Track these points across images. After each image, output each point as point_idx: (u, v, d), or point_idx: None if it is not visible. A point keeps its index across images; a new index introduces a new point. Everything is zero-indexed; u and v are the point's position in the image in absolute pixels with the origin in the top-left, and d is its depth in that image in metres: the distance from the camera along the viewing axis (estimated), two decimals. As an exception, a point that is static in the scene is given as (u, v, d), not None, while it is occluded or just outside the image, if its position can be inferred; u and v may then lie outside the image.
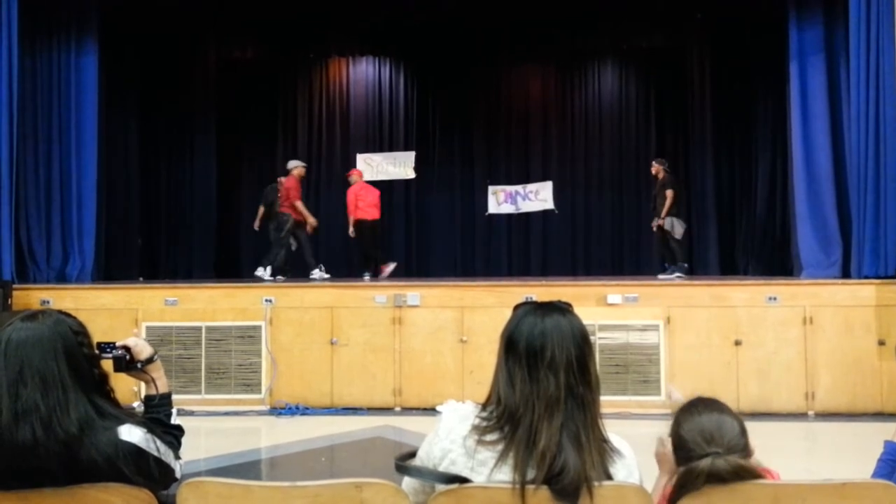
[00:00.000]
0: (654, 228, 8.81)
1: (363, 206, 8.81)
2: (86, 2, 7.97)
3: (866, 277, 6.34)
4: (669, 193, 8.54)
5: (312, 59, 11.26)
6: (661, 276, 8.27)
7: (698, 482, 1.56)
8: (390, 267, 8.90)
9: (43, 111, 7.70)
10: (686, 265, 8.68)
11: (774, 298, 6.19)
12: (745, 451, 1.65)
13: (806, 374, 6.07)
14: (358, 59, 11.38)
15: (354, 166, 9.91)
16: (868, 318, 6.08)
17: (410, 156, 9.68)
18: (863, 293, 6.16)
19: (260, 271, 8.35)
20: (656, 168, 8.84)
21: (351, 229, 8.90)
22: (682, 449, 1.68)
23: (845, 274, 6.76)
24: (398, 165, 9.71)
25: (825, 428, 5.82)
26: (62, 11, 7.82)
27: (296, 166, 8.82)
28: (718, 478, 1.56)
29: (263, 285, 7.23)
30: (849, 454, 4.96)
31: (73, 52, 7.89)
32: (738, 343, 6.11)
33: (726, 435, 1.64)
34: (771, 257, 8.99)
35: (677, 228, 8.56)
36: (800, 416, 6.02)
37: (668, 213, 8.52)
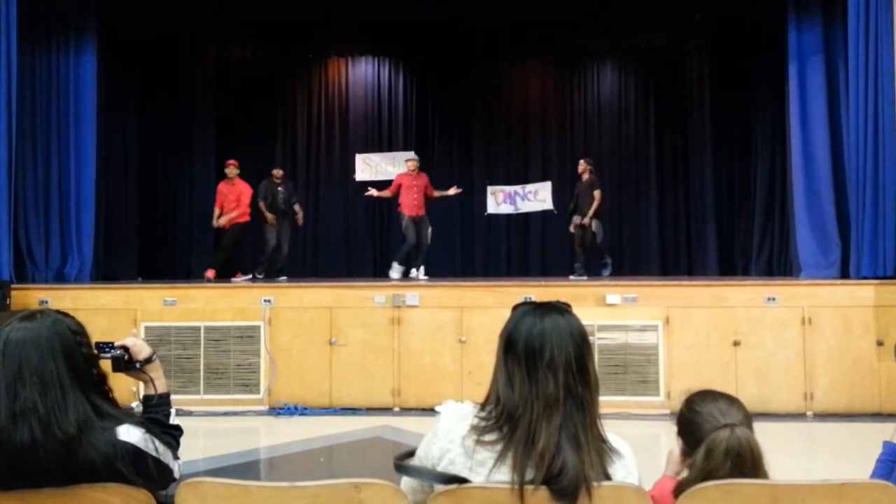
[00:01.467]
0: (573, 228, 8.76)
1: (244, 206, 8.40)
2: (85, 2, 7.97)
3: (865, 278, 6.34)
4: (598, 194, 8.53)
5: (311, 59, 11.25)
6: (572, 277, 8.16)
7: (720, 448, 1.63)
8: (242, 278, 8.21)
9: (42, 111, 7.69)
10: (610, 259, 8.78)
11: (773, 299, 6.19)
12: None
13: (804, 375, 6.08)
14: (357, 58, 11.37)
15: (353, 166, 9.89)
16: (867, 318, 6.08)
17: (409, 156, 9.67)
18: (861, 294, 6.16)
19: (421, 272, 8.25)
20: (583, 167, 8.74)
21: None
22: (693, 425, 1.74)
23: (844, 274, 6.77)
24: (397, 165, 9.71)
25: (824, 428, 5.83)
26: (61, 12, 7.81)
27: (408, 160, 8.82)
28: (737, 454, 1.62)
29: (262, 286, 7.22)
30: (847, 454, 4.96)
31: (71, 52, 7.88)
32: (736, 343, 6.12)
33: (738, 415, 1.72)
34: (770, 258, 9.00)
35: (600, 231, 8.62)
36: (798, 416, 6.03)
37: (595, 215, 8.54)
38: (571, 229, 8.83)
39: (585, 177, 8.70)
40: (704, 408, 1.75)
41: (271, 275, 8.45)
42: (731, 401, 1.78)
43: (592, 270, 8.76)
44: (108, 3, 8.16)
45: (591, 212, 8.51)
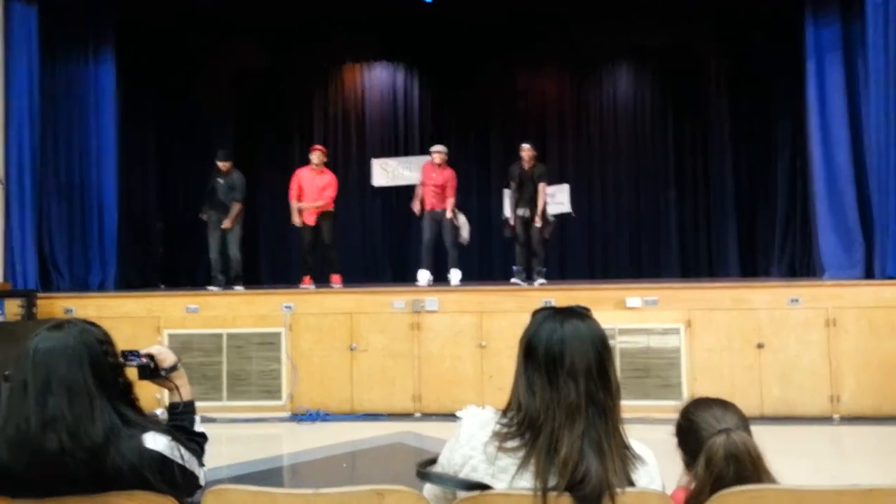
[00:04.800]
0: (512, 221, 7.64)
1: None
2: (103, 12, 8.10)
3: (889, 278, 6.25)
4: (543, 187, 7.52)
5: (326, 65, 11.32)
6: (513, 281, 7.50)
7: (719, 454, 1.63)
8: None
9: (63, 121, 7.81)
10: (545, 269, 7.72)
11: (796, 300, 6.12)
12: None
13: (830, 377, 5.99)
14: (372, 64, 11.42)
15: (370, 172, 9.92)
16: (893, 319, 5.98)
17: (426, 160, 9.69)
18: (886, 294, 6.07)
19: (453, 275, 7.85)
20: (530, 153, 7.52)
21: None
22: (691, 434, 1.74)
23: (868, 274, 6.67)
24: (414, 170, 9.73)
25: (851, 432, 5.73)
26: (80, 22, 7.95)
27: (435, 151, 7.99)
28: (735, 458, 1.63)
29: (282, 291, 7.21)
30: (876, 459, 4.88)
31: (91, 61, 8.03)
32: (760, 346, 6.04)
33: (733, 419, 1.74)
34: (792, 258, 8.88)
35: (548, 229, 7.65)
36: (825, 419, 5.93)
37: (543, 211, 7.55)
38: (512, 222, 7.68)
39: (529, 165, 7.53)
40: (699, 416, 1.76)
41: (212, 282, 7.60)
42: (726, 406, 1.78)
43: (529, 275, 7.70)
44: (126, 13, 8.28)
45: (539, 209, 7.47)
